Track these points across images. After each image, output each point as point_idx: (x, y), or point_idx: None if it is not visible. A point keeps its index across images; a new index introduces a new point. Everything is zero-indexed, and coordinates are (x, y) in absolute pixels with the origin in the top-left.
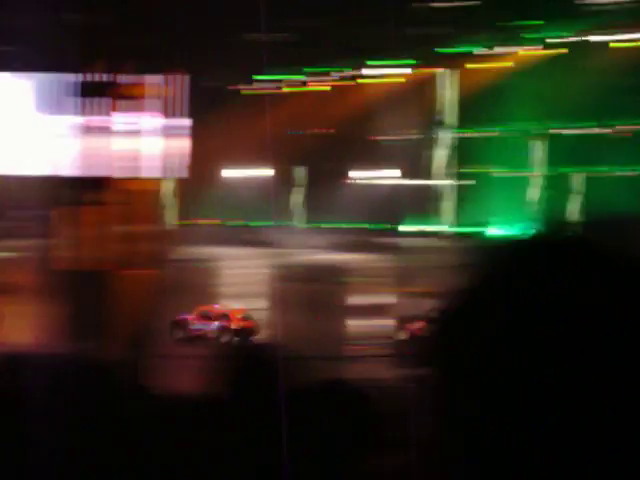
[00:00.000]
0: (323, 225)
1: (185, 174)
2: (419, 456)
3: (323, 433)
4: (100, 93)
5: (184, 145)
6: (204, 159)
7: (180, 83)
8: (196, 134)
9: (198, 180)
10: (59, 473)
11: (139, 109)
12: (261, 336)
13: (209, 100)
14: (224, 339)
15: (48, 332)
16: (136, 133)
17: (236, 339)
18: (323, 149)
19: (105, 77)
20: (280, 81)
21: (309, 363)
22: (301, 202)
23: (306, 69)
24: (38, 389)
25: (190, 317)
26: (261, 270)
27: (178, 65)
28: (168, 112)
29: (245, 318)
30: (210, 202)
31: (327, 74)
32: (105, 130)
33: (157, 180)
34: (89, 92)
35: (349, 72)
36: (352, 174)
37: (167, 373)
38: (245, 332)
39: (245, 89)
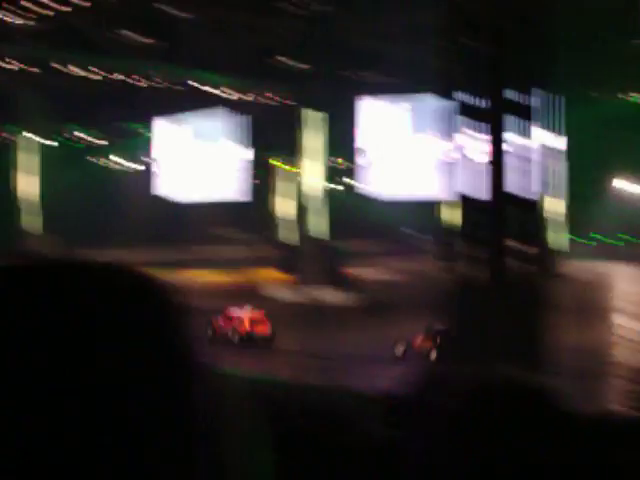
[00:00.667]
0: None
1: (565, 192)
2: None
3: None
4: (477, 114)
5: (563, 163)
6: (588, 175)
7: (557, 99)
8: (578, 149)
9: (584, 196)
10: None
11: (516, 127)
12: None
13: (590, 113)
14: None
15: (455, 350)
16: (515, 152)
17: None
18: None
19: (481, 99)
20: None
21: None
22: None
23: None
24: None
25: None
26: None
27: (556, 81)
28: (547, 128)
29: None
30: (597, 218)
31: None
32: (482, 150)
33: (542, 198)
34: (467, 113)
35: None
36: None
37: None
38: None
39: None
